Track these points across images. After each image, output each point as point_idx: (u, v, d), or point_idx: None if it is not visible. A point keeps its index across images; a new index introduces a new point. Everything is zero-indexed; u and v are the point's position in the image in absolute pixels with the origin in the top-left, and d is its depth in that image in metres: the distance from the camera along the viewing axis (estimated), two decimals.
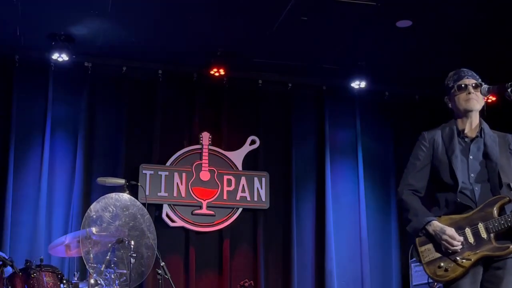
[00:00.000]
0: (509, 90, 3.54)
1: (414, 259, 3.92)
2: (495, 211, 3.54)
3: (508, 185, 3.63)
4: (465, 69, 3.78)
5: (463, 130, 3.72)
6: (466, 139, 3.71)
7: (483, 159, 3.67)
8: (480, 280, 3.49)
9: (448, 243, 3.49)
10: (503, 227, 3.49)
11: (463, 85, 3.69)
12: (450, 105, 3.79)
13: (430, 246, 3.57)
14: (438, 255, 3.54)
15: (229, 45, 7.18)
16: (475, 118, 3.73)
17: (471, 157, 3.68)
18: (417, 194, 3.72)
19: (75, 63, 7.28)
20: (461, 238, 3.51)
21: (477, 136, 3.71)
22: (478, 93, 3.66)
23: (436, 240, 3.54)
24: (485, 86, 3.66)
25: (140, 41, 7.12)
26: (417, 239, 3.61)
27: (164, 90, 7.60)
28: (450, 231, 3.52)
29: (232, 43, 7.14)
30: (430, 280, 3.76)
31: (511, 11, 6.31)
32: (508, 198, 3.58)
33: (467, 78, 3.72)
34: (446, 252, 3.50)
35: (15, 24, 6.70)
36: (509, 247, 3.47)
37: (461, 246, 3.49)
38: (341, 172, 7.93)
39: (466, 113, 3.71)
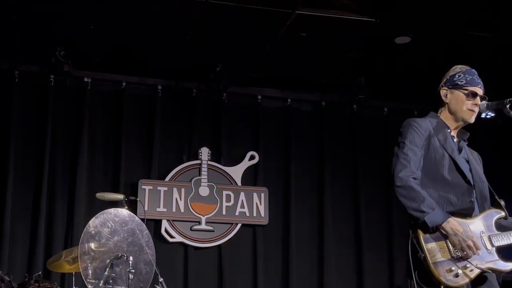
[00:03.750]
0: (508, 106, 3.51)
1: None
2: (494, 225, 3.50)
3: (495, 197, 3.59)
4: (476, 73, 3.64)
5: (449, 128, 3.62)
6: (454, 139, 3.62)
7: (468, 164, 3.59)
8: None
9: (471, 250, 3.28)
10: (505, 244, 3.45)
11: (474, 94, 3.57)
12: (446, 98, 3.61)
13: (434, 245, 3.31)
14: (446, 257, 3.29)
15: (229, 60, 7.20)
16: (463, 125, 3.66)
17: (462, 158, 3.58)
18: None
19: (74, 79, 7.30)
20: (480, 248, 3.33)
21: (460, 140, 3.65)
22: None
23: (450, 241, 3.30)
24: (483, 103, 3.60)
25: (139, 57, 7.15)
26: (421, 233, 3.31)
27: (163, 105, 7.60)
28: (475, 237, 3.32)
29: (231, 58, 7.16)
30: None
31: (510, 28, 6.36)
32: (505, 214, 3.55)
33: (480, 86, 3.59)
34: (456, 257, 3.30)
35: (15, 39, 6.72)
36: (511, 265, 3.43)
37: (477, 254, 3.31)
38: (340, 187, 7.91)
39: (460, 119, 3.66)
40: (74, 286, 5.44)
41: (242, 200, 7.56)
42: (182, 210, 7.37)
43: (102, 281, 4.92)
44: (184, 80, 7.66)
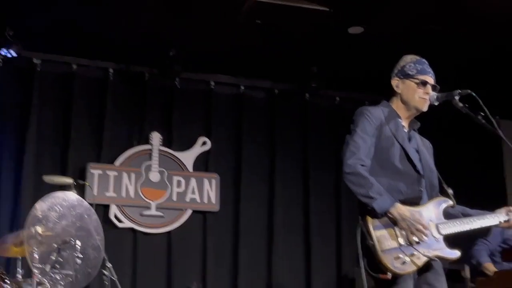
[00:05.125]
0: (456, 97, 3.58)
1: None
2: (442, 214, 3.57)
3: (443, 187, 3.66)
4: (426, 62, 3.70)
5: (401, 118, 3.68)
6: (404, 129, 3.68)
7: (418, 154, 3.65)
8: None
9: (420, 232, 3.32)
10: (452, 232, 3.52)
11: (425, 82, 3.63)
12: (398, 88, 3.68)
13: (383, 232, 3.34)
14: (394, 245, 3.33)
15: (182, 45, 7.14)
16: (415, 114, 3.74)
17: (413, 148, 3.64)
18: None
19: (23, 60, 7.13)
20: (429, 232, 3.38)
21: (411, 130, 3.71)
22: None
23: (399, 226, 3.34)
24: (433, 94, 3.66)
25: (91, 39, 7.03)
26: (370, 220, 3.35)
27: (114, 89, 7.50)
28: (422, 221, 3.36)
29: (185, 43, 7.10)
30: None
31: (464, 21, 6.46)
32: (453, 203, 3.62)
33: (430, 76, 3.66)
34: (404, 245, 3.34)
35: None
36: (458, 253, 3.50)
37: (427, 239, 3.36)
38: (291, 175, 7.96)
39: (413, 108, 3.72)
40: (20, 270, 5.34)
41: (193, 186, 7.53)
42: (132, 195, 7.30)
43: (49, 266, 4.83)
44: (137, 64, 7.57)
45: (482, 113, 3.47)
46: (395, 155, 3.55)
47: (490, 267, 5.62)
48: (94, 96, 7.49)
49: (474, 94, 3.49)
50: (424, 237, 3.35)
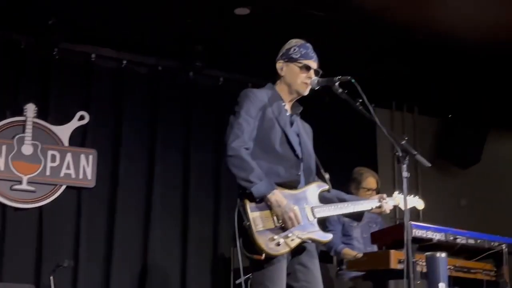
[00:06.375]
0: (337, 84, 3.66)
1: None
2: (318, 198, 3.65)
3: (321, 171, 3.76)
4: (311, 47, 3.77)
5: (284, 101, 3.73)
6: (287, 113, 3.73)
7: (298, 138, 3.73)
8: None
9: (292, 222, 3.39)
10: (326, 216, 3.62)
11: (308, 67, 3.69)
12: (282, 71, 3.73)
13: (259, 214, 3.41)
14: (269, 226, 3.40)
15: (63, 14, 6.85)
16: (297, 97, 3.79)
17: (293, 132, 3.71)
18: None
19: None
20: (301, 220, 3.45)
21: (293, 114, 3.78)
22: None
23: (274, 212, 3.41)
24: (314, 79, 3.74)
25: None
26: (247, 202, 3.42)
27: None
28: (296, 210, 3.44)
29: (66, 12, 6.82)
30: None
31: (347, 9, 6.62)
32: (328, 187, 3.72)
33: (314, 60, 3.73)
34: (280, 227, 3.41)
35: None
36: (331, 236, 3.61)
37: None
38: (172, 154, 7.89)
39: (295, 92, 3.77)
40: None
41: (69, 161, 7.29)
42: (2, 169, 6.96)
43: None
44: (12, 31, 7.18)
45: (360, 100, 3.57)
46: (276, 138, 3.60)
47: (348, 252, 5.78)
48: None
49: (353, 81, 3.58)
50: (296, 224, 3.42)
